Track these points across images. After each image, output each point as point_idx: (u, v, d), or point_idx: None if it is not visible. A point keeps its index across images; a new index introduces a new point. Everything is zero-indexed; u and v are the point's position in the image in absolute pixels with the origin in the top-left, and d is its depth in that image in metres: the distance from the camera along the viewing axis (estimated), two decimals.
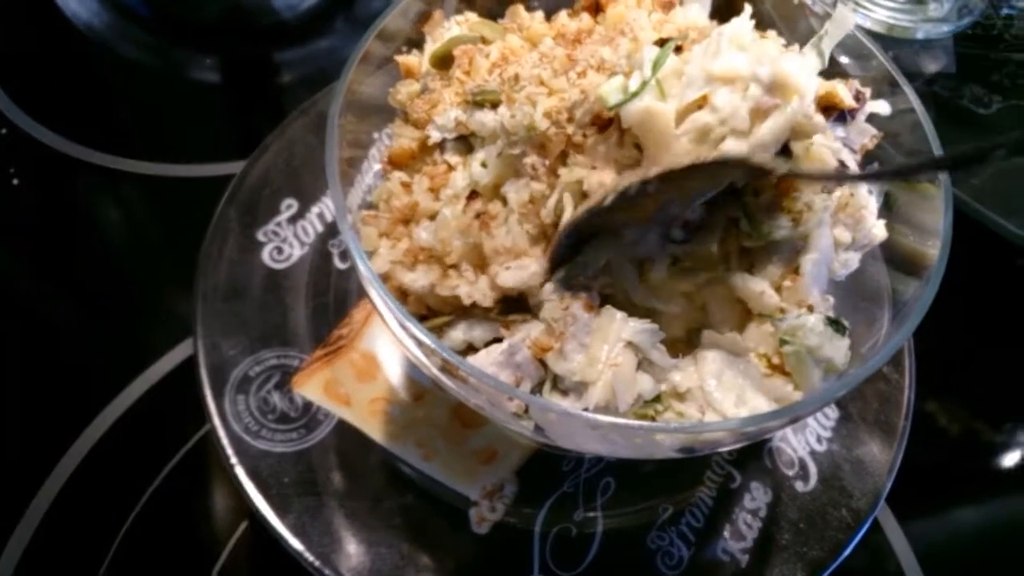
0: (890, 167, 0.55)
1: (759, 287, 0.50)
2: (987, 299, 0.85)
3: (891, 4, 0.96)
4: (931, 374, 0.73)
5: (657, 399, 0.48)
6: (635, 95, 0.46)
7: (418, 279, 0.51)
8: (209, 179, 0.88)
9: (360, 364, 0.71)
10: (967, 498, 0.77)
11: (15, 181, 0.86)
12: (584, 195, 0.50)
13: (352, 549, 0.60)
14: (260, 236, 0.75)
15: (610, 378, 0.47)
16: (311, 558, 0.59)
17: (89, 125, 0.91)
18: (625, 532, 0.63)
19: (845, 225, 0.53)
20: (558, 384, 0.48)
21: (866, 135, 0.56)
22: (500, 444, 0.68)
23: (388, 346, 0.72)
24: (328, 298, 0.74)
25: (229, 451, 0.64)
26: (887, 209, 0.57)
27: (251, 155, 0.79)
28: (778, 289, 0.50)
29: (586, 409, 0.46)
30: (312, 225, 0.77)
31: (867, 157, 0.57)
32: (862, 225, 0.53)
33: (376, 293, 0.46)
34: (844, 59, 0.63)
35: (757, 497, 0.65)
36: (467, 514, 0.63)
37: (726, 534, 0.63)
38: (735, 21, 0.48)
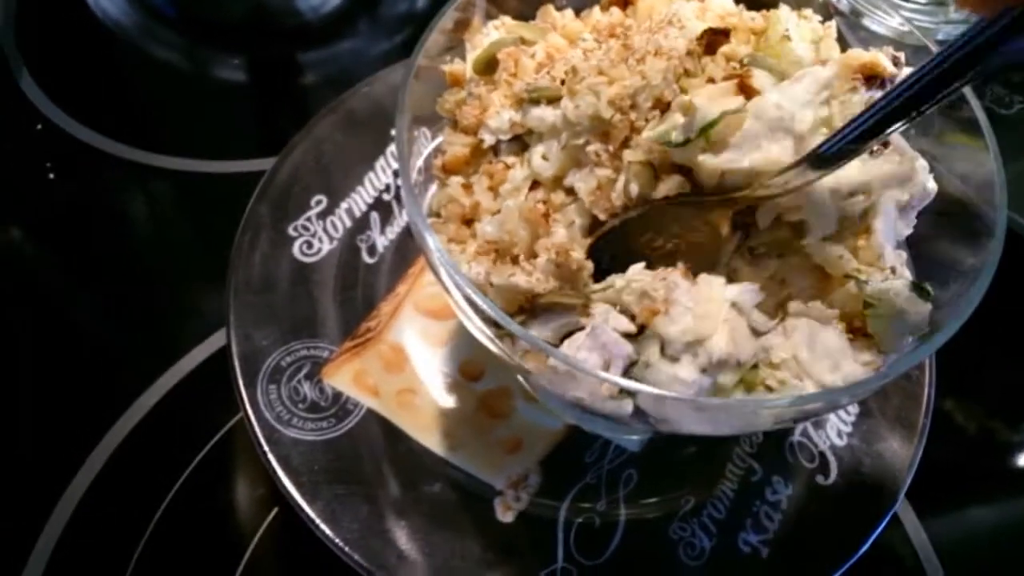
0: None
1: (836, 251, 0.50)
2: (1008, 299, 0.86)
3: (911, 5, 0.96)
4: (950, 372, 0.74)
5: (755, 367, 0.49)
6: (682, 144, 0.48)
7: (475, 270, 0.52)
8: (235, 175, 0.90)
9: (388, 356, 0.72)
10: (985, 495, 0.77)
11: (51, 175, 0.88)
12: (653, 171, 0.51)
13: (379, 536, 0.62)
14: (291, 231, 0.77)
15: (728, 331, 0.47)
16: (340, 543, 0.61)
17: (121, 121, 0.93)
18: (647, 523, 0.65)
19: (899, 183, 0.54)
20: (666, 350, 0.48)
21: None
22: (525, 434, 0.70)
23: (415, 338, 0.74)
24: (356, 291, 0.75)
25: (261, 439, 0.65)
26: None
27: (280, 152, 0.80)
28: (853, 251, 0.51)
29: (704, 371, 0.46)
30: (341, 220, 0.79)
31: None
32: (914, 181, 0.54)
33: (461, 290, 0.47)
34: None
35: (778, 490, 0.66)
36: (492, 503, 0.65)
37: (747, 526, 0.64)
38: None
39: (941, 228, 0.59)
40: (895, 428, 0.69)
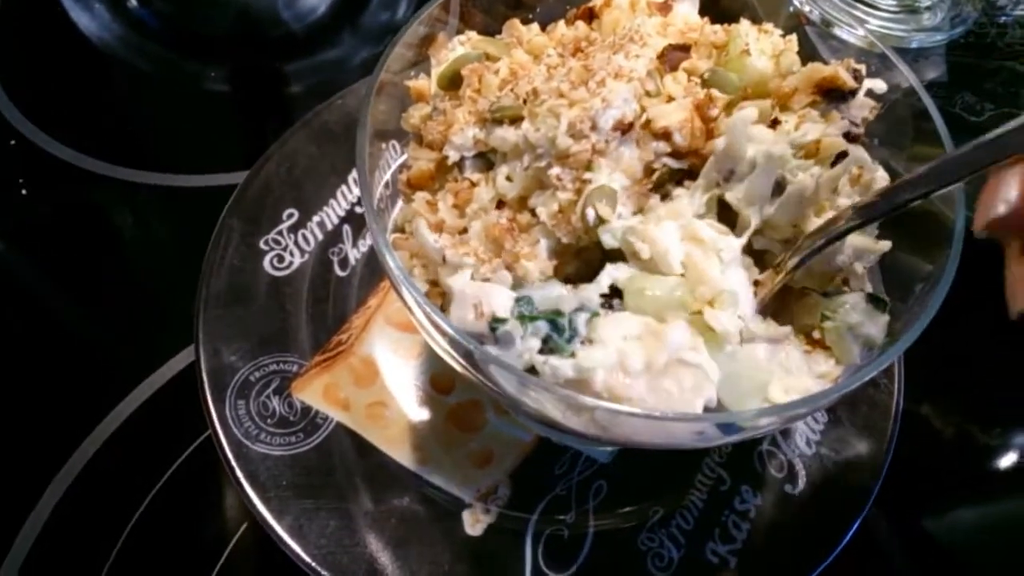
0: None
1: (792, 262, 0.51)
2: (976, 305, 0.86)
3: (884, 14, 0.97)
4: (920, 378, 0.75)
5: None
6: None
7: (437, 244, 0.53)
8: (216, 189, 0.89)
9: (359, 369, 0.72)
10: (957, 500, 0.77)
11: (24, 191, 0.88)
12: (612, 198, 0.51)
13: (347, 551, 0.62)
14: (262, 244, 0.77)
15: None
16: (308, 559, 0.61)
17: (97, 136, 0.93)
18: (616, 534, 0.65)
19: (860, 195, 0.54)
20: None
21: (866, 108, 0.58)
22: (496, 447, 0.70)
23: (386, 351, 0.74)
24: (327, 305, 0.75)
25: (229, 454, 0.65)
26: None
27: (253, 165, 0.81)
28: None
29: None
30: (312, 234, 0.79)
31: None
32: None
33: (422, 308, 0.47)
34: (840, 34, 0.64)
35: (747, 500, 0.66)
36: (461, 516, 0.65)
37: (716, 536, 0.64)
38: None
39: (904, 238, 0.59)
40: (863, 436, 0.69)
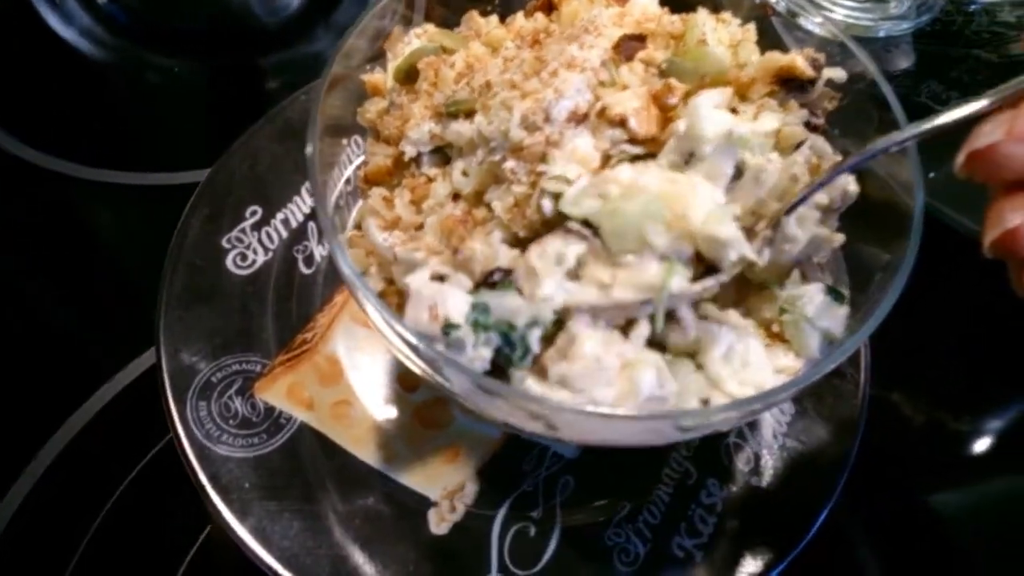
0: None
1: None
2: (945, 294, 0.87)
3: (851, 3, 0.97)
4: (889, 366, 0.75)
5: None
6: None
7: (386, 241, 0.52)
8: (182, 187, 0.87)
9: (324, 368, 0.72)
10: (926, 488, 0.78)
11: None
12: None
13: (311, 553, 0.61)
14: (224, 243, 0.76)
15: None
16: (271, 562, 0.60)
17: (60, 135, 0.92)
18: (583, 530, 0.64)
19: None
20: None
21: (825, 98, 0.57)
22: (463, 444, 0.69)
23: (352, 349, 0.73)
24: (291, 303, 0.74)
25: (191, 457, 0.64)
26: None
27: (216, 162, 0.79)
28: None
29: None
30: (276, 231, 0.78)
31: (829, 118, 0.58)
32: (835, 184, 0.54)
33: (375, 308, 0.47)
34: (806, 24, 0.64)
35: (713, 493, 0.66)
36: (427, 515, 0.64)
37: (682, 530, 0.64)
38: None
39: (867, 229, 0.59)
40: (830, 427, 0.69)
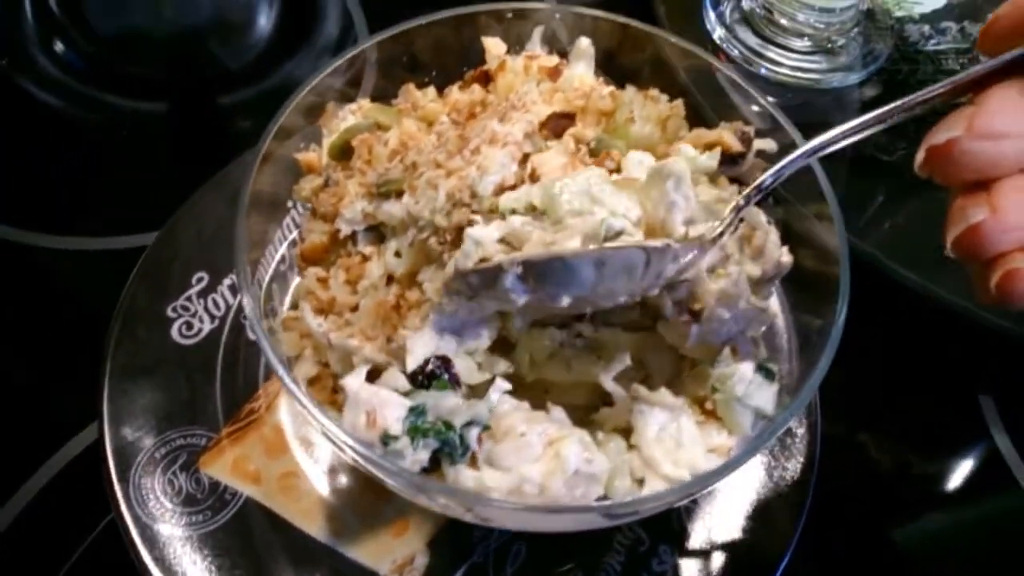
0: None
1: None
2: (898, 350, 0.88)
3: (798, 56, 0.98)
4: (842, 412, 0.75)
5: None
6: None
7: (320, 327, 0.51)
8: (131, 251, 0.84)
9: (271, 439, 0.71)
10: (885, 528, 0.77)
11: None
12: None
13: None
14: (170, 311, 0.75)
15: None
16: None
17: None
18: None
19: (752, 259, 0.54)
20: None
21: (757, 169, 0.58)
22: (413, 515, 0.68)
23: (298, 419, 0.72)
24: (238, 372, 0.73)
25: (135, 537, 0.63)
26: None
27: (161, 229, 0.79)
28: None
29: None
30: (223, 298, 0.77)
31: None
32: (768, 255, 0.54)
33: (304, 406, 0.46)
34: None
35: (665, 560, 0.66)
36: None
37: None
38: None
39: (803, 297, 0.60)
40: (781, 489, 0.69)
